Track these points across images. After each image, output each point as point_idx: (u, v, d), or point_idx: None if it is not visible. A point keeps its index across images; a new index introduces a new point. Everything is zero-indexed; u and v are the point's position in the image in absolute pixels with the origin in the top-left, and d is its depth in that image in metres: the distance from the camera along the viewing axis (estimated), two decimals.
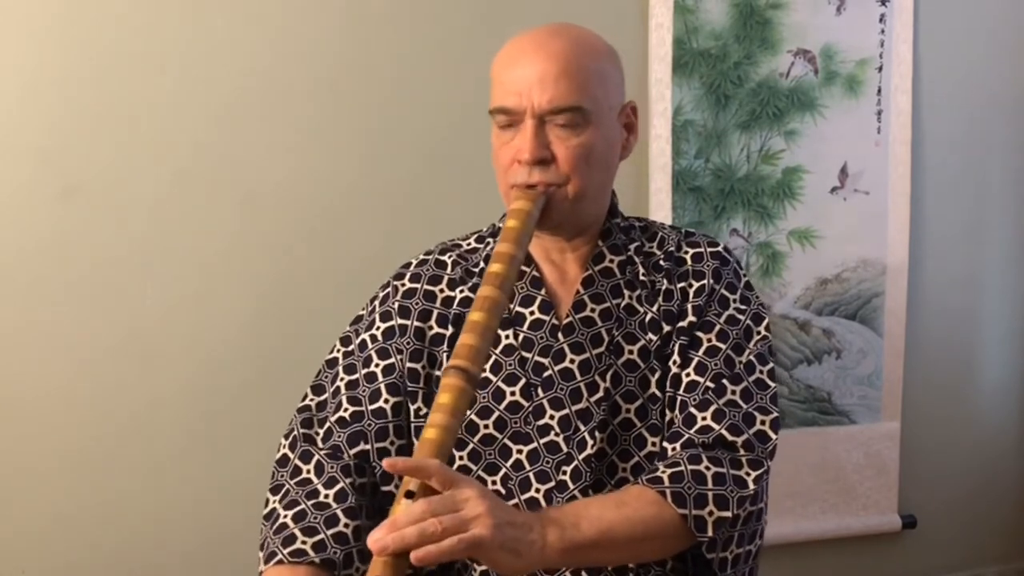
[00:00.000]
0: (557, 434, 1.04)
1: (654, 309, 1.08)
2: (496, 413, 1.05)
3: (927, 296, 2.01)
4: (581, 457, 1.03)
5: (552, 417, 1.04)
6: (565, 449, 1.03)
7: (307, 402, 1.11)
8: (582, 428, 1.03)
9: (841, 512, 1.99)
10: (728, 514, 0.97)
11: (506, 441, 1.05)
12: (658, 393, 1.06)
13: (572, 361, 1.06)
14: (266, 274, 1.67)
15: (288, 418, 1.12)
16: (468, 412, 1.05)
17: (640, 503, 0.96)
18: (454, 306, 1.09)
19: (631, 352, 1.07)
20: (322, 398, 1.10)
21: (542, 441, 1.04)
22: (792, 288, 1.92)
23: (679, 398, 1.05)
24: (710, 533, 0.96)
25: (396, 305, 1.11)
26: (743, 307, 1.11)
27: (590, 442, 1.03)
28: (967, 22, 1.98)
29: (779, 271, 1.91)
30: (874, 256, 1.95)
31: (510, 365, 1.06)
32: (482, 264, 1.12)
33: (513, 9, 1.72)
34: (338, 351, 1.13)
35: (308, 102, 1.66)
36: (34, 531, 1.60)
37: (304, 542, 0.94)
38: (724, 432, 1.02)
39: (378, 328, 1.11)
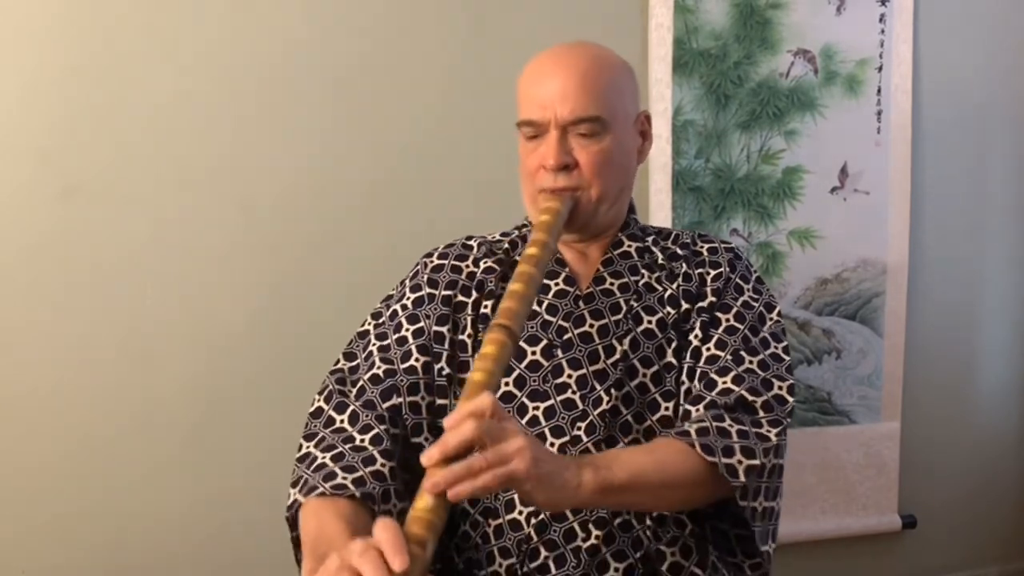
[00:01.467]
0: (574, 392, 1.09)
1: (673, 287, 1.16)
2: (516, 371, 1.11)
3: (927, 296, 2.01)
4: (596, 412, 1.08)
5: (570, 376, 1.10)
6: (581, 406, 1.08)
7: (339, 366, 1.15)
8: (598, 387, 1.09)
9: (841, 512, 1.99)
10: (756, 462, 1.02)
11: (524, 399, 1.09)
12: (674, 361, 1.12)
13: (591, 326, 1.12)
14: (266, 274, 1.67)
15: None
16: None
17: (669, 451, 1.01)
18: (478, 275, 1.17)
19: (649, 322, 1.14)
20: (354, 363, 1.15)
21: (559, 398, 1.09)
22: (792, 288, 1.92)
23: (699, 369, 1.11)
24: (742, 478, 1.01)
25: (425, 278, 1.18)
26: (756, 296, 1.18)
27: (605, 399, 1.08)
28: (967, 22, 1.98)
29: (779, 271, 1.91)
30: (874, 256, 1.95)
31: (532, 327, 1.13)
32: (506, 245, 1.21)
33: (516, 12, 1.71)
34: (369, 324, 1.18)
35: (309, 103, 1.66)
36: (34, 531, 1.60)
37: (344, 477, 0.98)
38: (744, 393, 1.07)
39: (408, 299, 1.17)
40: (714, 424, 1.03)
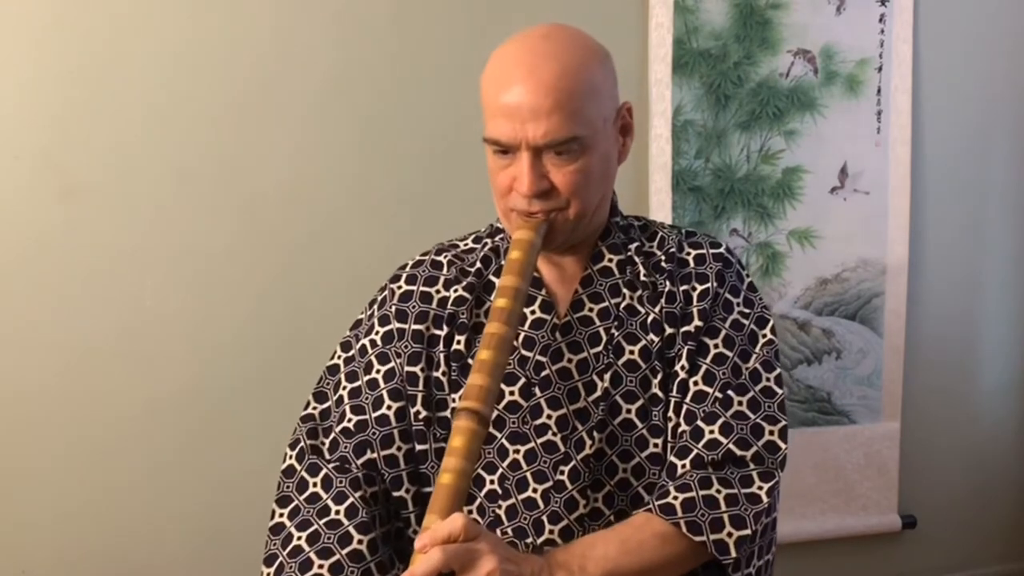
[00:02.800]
0: (555, 434, 1.03)
1: (656, 310, 1.08)
2: (495, 413, 1.04)
3: (927, 296, 2.01)
4: (579, 457, 1.03)
5: (549, 417, 1.04)
6: (563, 449, 1.03)
7: (310, 410, 1.11)
8: (580, 428, 1.04)
9: (841, 512, 1.99)
10: (747, 532, 0.97)
11: (504, 441, 1.04)
12: (660, 394, 1.06)
13: (570, 360, 1.06)
14: (266, 275, 1.67)
15: (287, 417, 1.12)
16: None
17: (645, 535, 0.97)
18: (448, 306, 1.09)
19: (632, 352, 1.06)
20: (325, 406, 1.10)
21: (539, 441, 1.04)
22: (792, 288, 1.92)
23: (686, 406, 1.05)
24: (734, 554, 0.96)
25: (393, 309, 1.11)
26: (747, 311, 1.10)
27: (588, 442, 1.03)
28: (967, 22, 1.98)
29: (779, 271, 1.91)
30: (874, 256, 1.95)
31: (509, 364, 1.05)
32: (478, 264, 1.12)
33: (515, 12, 1.72)
34: (339, 357, 1.13)
35: (309, 103, 1.66)
36: (34, 530, 1.60)
37: (321, 566, 0.96)
38: (732, 447, 1.01)
39: (377, 333, 1.11)
40: (701, 494, 0.98)
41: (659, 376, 1.06)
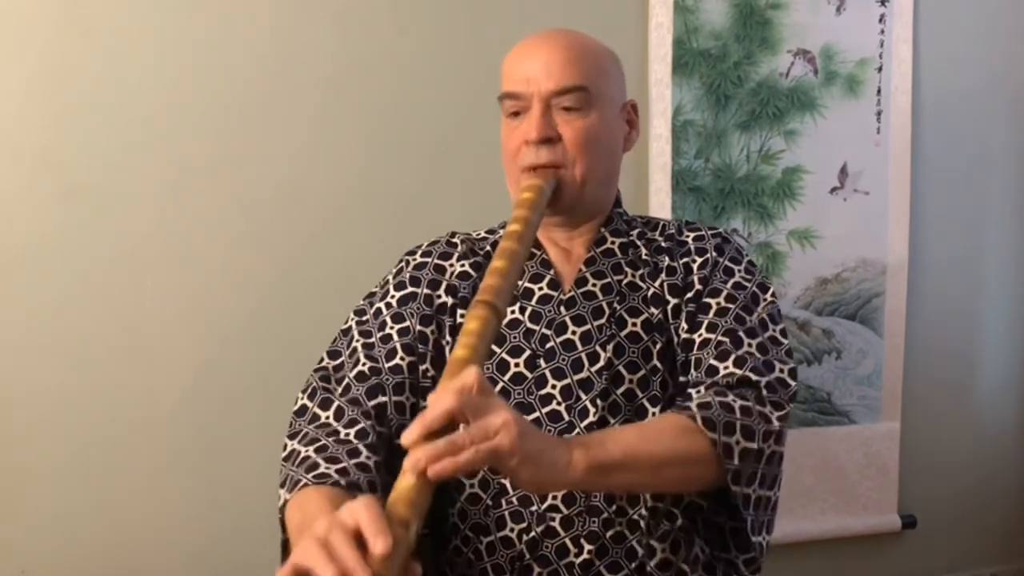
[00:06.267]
0: (559, 403, 1.07)
1: (657, 284, 1.13)
2: (500, 384, 1.08)
3: (927, 296, 2.01)
4: (583, 425, 1.05)
5: (554, 387, 1.07)
6: (567, 417, 1.06)
7: (323, 364, 1.13)
8: (583, 397, 1.06)
9: (841, 512, 1.99)
10: (754, 445, 1.00)
11: None
12: (659, 365, 1.10)
13: (573, 332, 1.09)
14: (266, 275, 1.67)
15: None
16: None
17: (664, 426, 0.99)
18: (455, 278, 1.15)
19: (634, 324, 1.11)
20: (338, 361, 1.12)
21: (544, 410, 1.07)
22: (792, 288, 1.92)
23: (693, 357, 1.08)
24: (736, 462, 0.98)
25: (408, 275, 1.16)
26: (748, 276, 1.15)
27: (591, 410, 1.06)
28: (967, 22, 1.98)
29: (779, 271, 1.91)
30: (874, 256, 1.95)
31: (515, 338, 1.10)
32: (488, 247, 1.19)
33: (514, 9, 1.72)
34: (352, 320, 1.16)
35: (309, 102, 1.66)
36: (34, 531, 1.60)
37: (328, 467, 0.95)
38: (748, 373, 1.05)
39: (392, 296, 1.15)
40: (717, 399, 1.00)
41: (659, 346, 1.10)
